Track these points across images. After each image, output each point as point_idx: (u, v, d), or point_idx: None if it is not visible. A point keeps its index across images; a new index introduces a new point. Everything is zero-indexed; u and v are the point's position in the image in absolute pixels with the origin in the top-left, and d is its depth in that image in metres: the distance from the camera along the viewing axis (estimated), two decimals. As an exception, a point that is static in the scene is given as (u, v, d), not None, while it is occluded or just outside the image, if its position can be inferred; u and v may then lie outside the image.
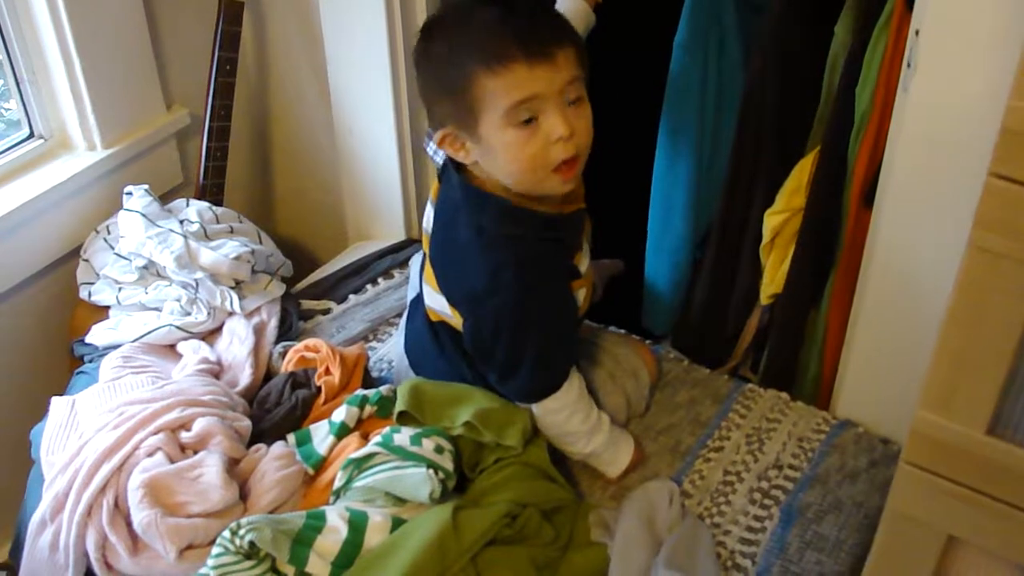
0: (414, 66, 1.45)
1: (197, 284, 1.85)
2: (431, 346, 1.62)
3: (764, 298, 1.89)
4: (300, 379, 1.70)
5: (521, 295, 1.43)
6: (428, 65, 1.42)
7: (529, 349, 1.48)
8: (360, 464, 1.47)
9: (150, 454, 1.51)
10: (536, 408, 1.53)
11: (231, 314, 1.86)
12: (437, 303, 1.55)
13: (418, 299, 1.66)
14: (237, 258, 1.88)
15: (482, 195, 1.45)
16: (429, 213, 1.58)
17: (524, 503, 1.47)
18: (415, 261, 2.02)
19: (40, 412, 1.70)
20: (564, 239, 1.50)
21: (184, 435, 1.55)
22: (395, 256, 2.17)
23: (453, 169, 1.49)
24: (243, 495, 1.50)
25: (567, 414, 1.53)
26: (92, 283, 1.93)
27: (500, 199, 1.44)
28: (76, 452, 1.53)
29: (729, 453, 1.69)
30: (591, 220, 1.58)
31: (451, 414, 1.52)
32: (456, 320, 1.51)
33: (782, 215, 1.79)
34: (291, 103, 2.39)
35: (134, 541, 1.45)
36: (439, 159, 1.59)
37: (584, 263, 1.55)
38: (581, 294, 1.54)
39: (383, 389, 1.60)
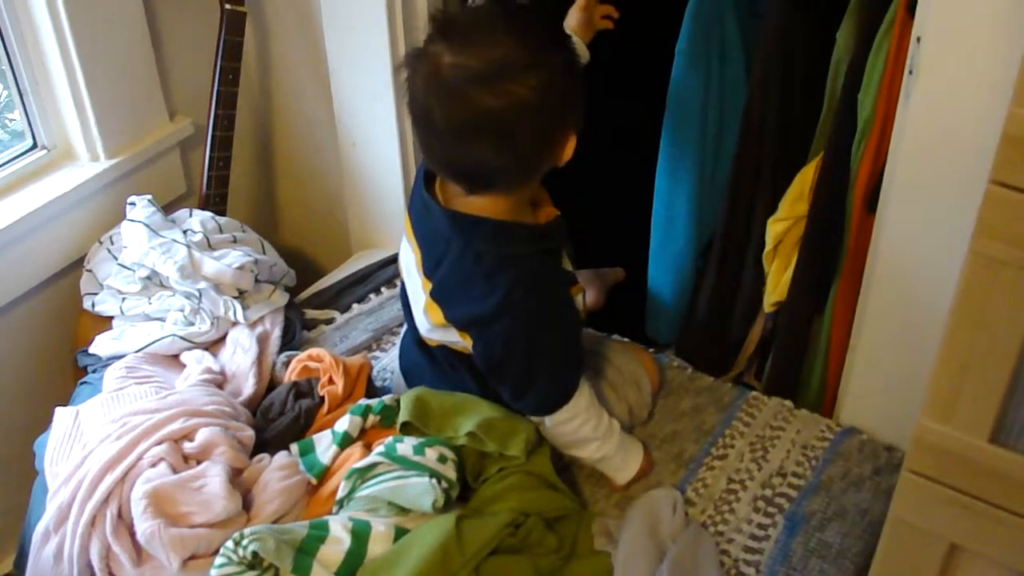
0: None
1: (200, 294, 1.85)
2: (428, 370, 1.61)
3: (767, 306, 1.89)
4: (303, 389, 1.70)
5: (530, 313, 1.43)
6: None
7: (543, 364, 1.48)
8: (363, 474, 1.47)
9: (153, 464, 1.51)
10: (548, 419, 1.53)
11: (234, 324, 1.87)
12: (438, 335, 1.53)
13: (410, 328, 1.66)
14: (240, 268, 1.88)
15: (473, 220, 1.44)
16: (408, 254, 1.56)
17: (527, 512, 1.47)
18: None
19: (44, 422, 1.70)
20: (554, 248, 1.51)
21: (187, 445, 1.55)
22: (398, 265, 2.16)
23: (433, 201, 1.47)
24: (246, 505, 1.50)
25: (580, 422, 1.53)
26: (96, 293, 1.93)
27: (491, 220, 1.44)
28: (80, 463, 1.53)
29: (733, 461, 1.69)
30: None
31: (454, 424, 1.52)
32: (463, 345, 1.50)
33: (785, 222, 1.79)
34: (294, 113, 2.40)
35: (138, 551, 1.45)
36: None
37: (569, 268, 1.56)
38: (579, 300, 1.54)
39: (386, 399, 1.60)
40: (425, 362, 1.62)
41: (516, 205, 1.46)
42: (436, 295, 1.48)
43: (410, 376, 1.69)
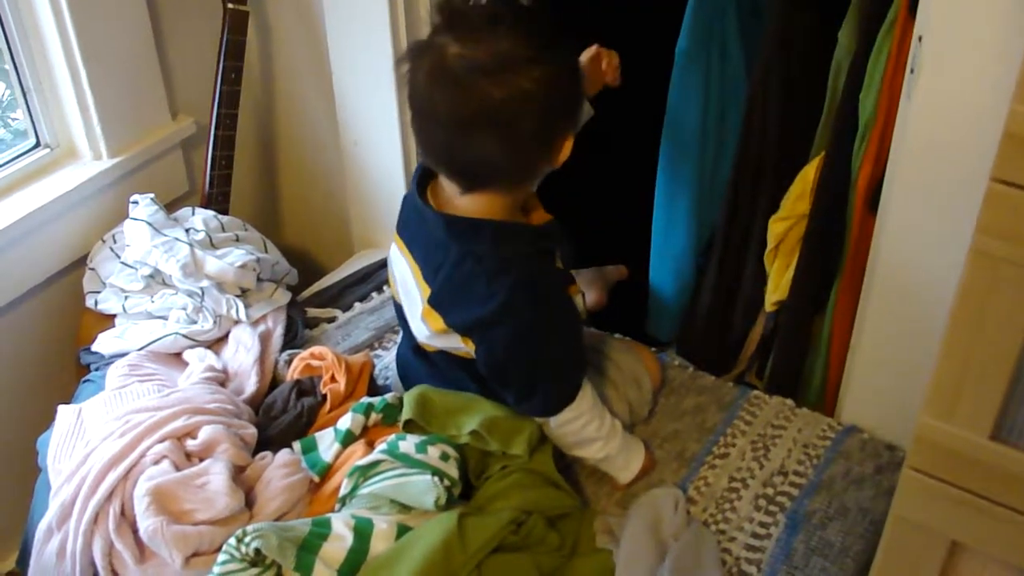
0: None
1: (203, 292, 1.85)
2: (426, 374, 1.61)
3: (769, 305, 1.89)
4: (306, 387, 1.71)
5: (531, 316, 1.44)
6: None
7: (545, 366, 1.49)
8: (366, 471, 1.48)
9: (156, 462, 1.51)
10: (552, 420, 1.53)
11: (237, 322, 1.87)
12: (439, 341, 1.53)
13: (406, 337, 1.66)
14: (243, 266, 1.88)
15: (471, 223, 1.44)
16: (405, 270, 1.55)
17: (529, 510, 1.47)
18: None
19: (47, 420, 1.71)
20: (551, 249, 1.51)
21: (190, 443, 1.55)
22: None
23: (427, 207, 1.47)
24: (249, 503, 1.50)
25: (583, 422, 1.53)
26: (98, 292, 1.94)
27: (491, 221, 1.44)
28: (82, 460, 1.53)
29: (735, 460, 1.69)
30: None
31: (457, 423, 1.52)
32: (465, 350, 1.50)
33: (786, 221, 1.79)
34: (296, 112, 2.40)
35: (140, 549, 1.46)
36: None
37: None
38: (578, 300, 1.55)
39: (388, 397, 1.61)
40: (423, 367, 1.62)
41: (510, 208, 1.46)
42: (435, 301, 1.48)
43: (408, 383, 1.69)
